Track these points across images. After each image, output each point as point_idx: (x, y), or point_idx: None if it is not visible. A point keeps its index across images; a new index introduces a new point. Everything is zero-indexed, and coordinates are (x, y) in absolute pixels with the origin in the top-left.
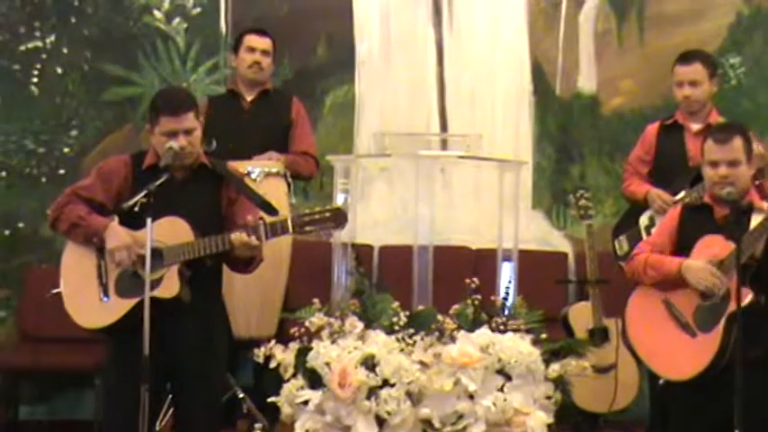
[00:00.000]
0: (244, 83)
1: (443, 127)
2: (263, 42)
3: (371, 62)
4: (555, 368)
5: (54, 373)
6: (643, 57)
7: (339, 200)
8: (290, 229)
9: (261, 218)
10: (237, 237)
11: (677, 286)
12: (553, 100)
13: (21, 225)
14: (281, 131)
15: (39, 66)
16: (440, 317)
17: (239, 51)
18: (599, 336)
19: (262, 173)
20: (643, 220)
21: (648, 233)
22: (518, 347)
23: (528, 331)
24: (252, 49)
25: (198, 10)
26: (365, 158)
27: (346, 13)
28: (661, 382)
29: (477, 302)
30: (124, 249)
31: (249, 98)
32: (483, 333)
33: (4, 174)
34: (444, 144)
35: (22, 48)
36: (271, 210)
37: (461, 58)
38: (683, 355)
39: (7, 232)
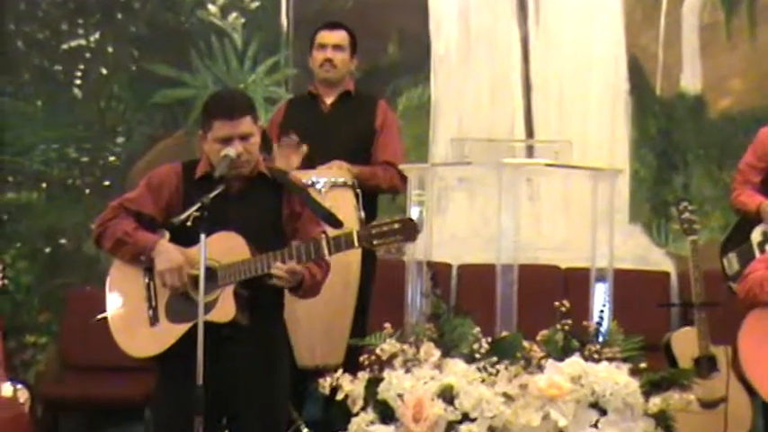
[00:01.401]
0: (321, 84)
1: (529, 132)
2: (333, 36)
3: (449, 60)
4: (656, 402)
5: (99, 405)
6: (754, 52)
7: (413, 213)
8: (356, 243)
9: (323, 231)
10: (277, 268)
11: None
12: (653, 101)
13: (62, 242)
14: (364, 139)
15: (82, 66)
16: (526, 344)
17: (312, 50)
18: (706, 365)
19: (327, 183)
20: (755, 235)
21: (762, 250)
22: (614, 378)
23: (625, 360)
24: (322, 46)
25: (256, 4)
26: (442, 167)
27: (421, 5)
28: None
29: (567, 328)
30: (175, 270)
31: (329, 101)
32: (574, 362)
33: (44, 185)
34: (530, 151)
35: (64, 47)
36: (335, 223)
37: (549, 55)
38: None
39: (48, 250)
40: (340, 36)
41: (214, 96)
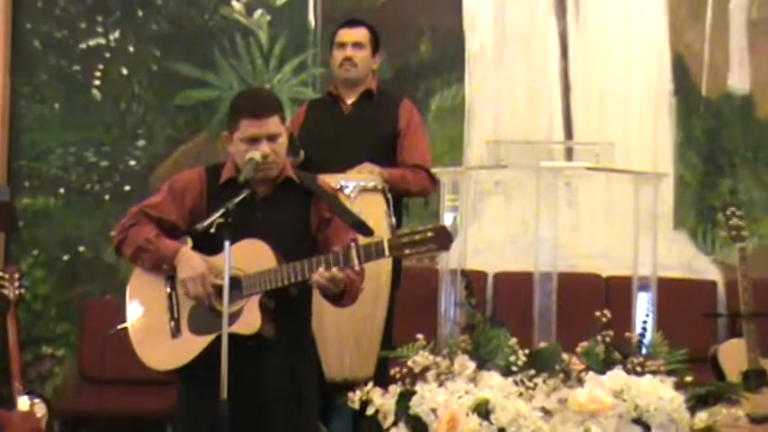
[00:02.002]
0: (341, 84)
1: (568, 134)
2: (353, 34)
3: (484, 59)
4: (702, 417)
5: (119, 419)
6: None
7: (447, 219)
8: (387, 252)
9: (353, 239)
10: (319, 275)
11: None
12: (698, 101)
13: (81, 249)
14: (388, 140)
15: (101, 66)
16: (565, 356)
17: (332, 49)
18: (755, 379)
19: (357, 188)
20: None
21: None
22: (658, 392)
23: (670, 373)
24: (342, 45)
25: (283, 0)
26: (477, 171)
27: (454, 2)
28: None
29: (608, 339)
30: (198, 279)
31: (350, 101)
32: (616, 375)
33: (62, 191)
34: (569, 154)
35: (83, 46)
36: (365, 230)
37: (589, 53)
38: None
39: (66, 258)
40: (360, 33)
41: (241, 95)
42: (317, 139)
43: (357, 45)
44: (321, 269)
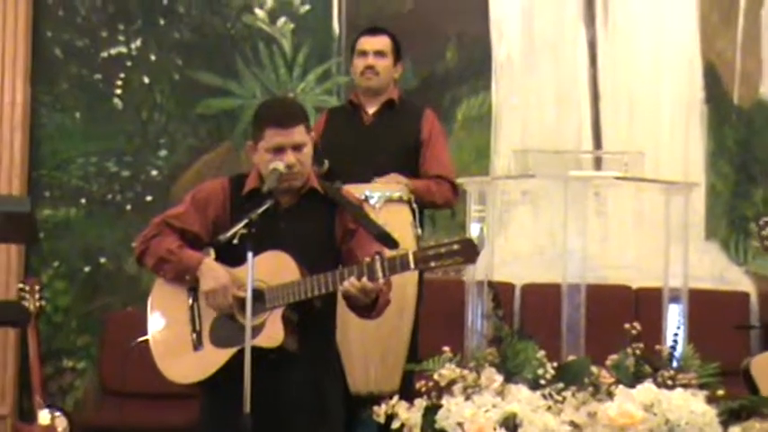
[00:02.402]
0: (363, 93)
1: (597, 143)
2: (375, 42)
3: (511, 67)
4: (735, 431)
5: None
6: None
7: (473, 230)
8: (412, 265)
9: (378, 252)
10: (351, 283)
11: None
12: (730, 109)
13: (102, 261)
14: (409, 150)
15: (122, 75)
16: (594, 369)
17: (353, 58)
18: None
19: (382, 198)
20: None
21: None
22: (689, 406)
23: (701, 387)
24: (363, 53)
25: (306, 8)
26: (504, 181)
27: (481, 8)
28: None
29: (638, 352)
30: (220, 291)
31: (371, 110)
32: (646, 388)
33: (83, 201)
34: (598, 163)
35: (104, 54)
36: (391, 242)
37: (619, 60)
38: None
39: (87, 269)
40: (382, 42)
41: (265, 104)
42: (337, 149)
43: (379, 53)
44: (352, 279)
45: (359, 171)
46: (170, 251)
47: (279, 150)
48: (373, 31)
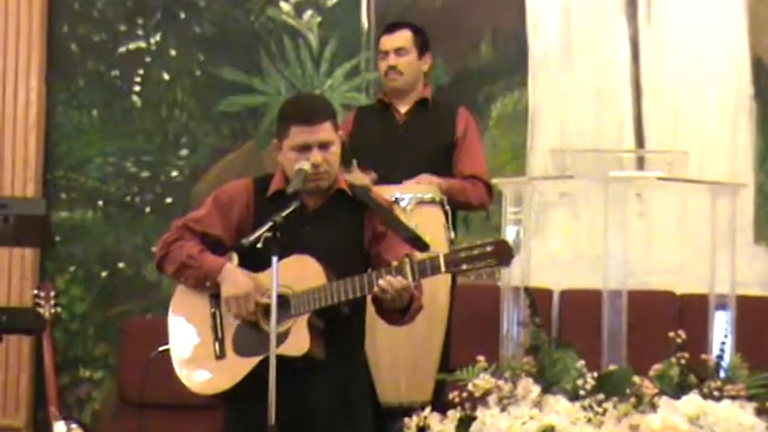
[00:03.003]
0: (391, 93)
1: (639, 142)
2: (393, 40)
3: (549, 62)
4: None
5: None
6: None
7: (509, 233)
8: (443, 267)
9: (407, 255)
10: (388, 281)
11: None
12: None
13: (120, 266)
14: (443, 150)
15: (141, 71)
16: (636, 379)
17: (378, 57)
18: None
19: (413, 200)
20: None
21: None
22: (737, 419)
23: (750, 398)
24: (384, 53)
25: (334, 0)
26: (541, 181)
27: (517, 2)
28: None
29: (683, 361)
30: (242, 298)
31: (403, 110)
32: (692, 400)
33: (100, 203)
34: (640, 163)
35: (122, 50)
36: (422, 245)
37: (662, 55)
38: None
39: (104, 274)
40: (401, 38)
41: (291, 100)
42: (368, 150)
43: (399, 51)
44: (389, 277)
45: (391, 172)
46: (191, 257)
47: (304, 149)
48: (391, 28)
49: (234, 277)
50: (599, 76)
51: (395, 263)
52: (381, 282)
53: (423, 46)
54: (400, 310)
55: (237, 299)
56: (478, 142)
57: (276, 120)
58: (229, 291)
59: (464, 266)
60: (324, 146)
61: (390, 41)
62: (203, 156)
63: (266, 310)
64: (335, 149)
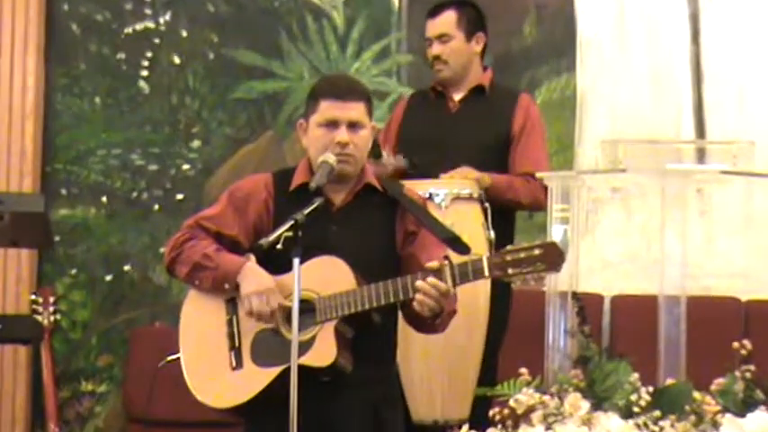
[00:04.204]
0: (440, 83)
1: (700, 132)
2: (436, 26)
3: (599, 44)
4: None
5: None
6: None
7: (555, 233)
8: (486, 272)
9: (446, 257)
10: (428, 283)
11: None
12: None
13: (126, 268)
14: (499, 142)
15: (149, 54)
16: (696, 394)
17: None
18: None
19: (449, 196)
20: None
21: None
22: None
23: None
24: (428, 41)
25: None
26: (591, 175)
27: None
28: None
29: (749, 375)
30: (264, 294)
31: (457, 97)
32: (758, 417)
33: (104, 199)
34: (701, 155)
35: (128, 30)
36: (460, 247)
37: (725, 37)
38: None
39: (109, 278)
40: (443, 22)
41: (325, 77)
42: (418, 141)
43: (442, 38)
44: (431, 279)
45: (443, 165)
46: (206, 256)
47: (332, 125)
48: (432, 11)
49: (255, 275)
50: (655, 60)
51: (432, 264)
52: (420, 284)
53: (471, 25)
54: (430, 319)
55: (258, 295)
56: (539, 136)
57: (306, 99)
58: (249, 287)
59: (510, 271)
60: (353, 126)
61: (432, 28)
62: (217, 147)
63: (288, 315)
64: (365, 134)
